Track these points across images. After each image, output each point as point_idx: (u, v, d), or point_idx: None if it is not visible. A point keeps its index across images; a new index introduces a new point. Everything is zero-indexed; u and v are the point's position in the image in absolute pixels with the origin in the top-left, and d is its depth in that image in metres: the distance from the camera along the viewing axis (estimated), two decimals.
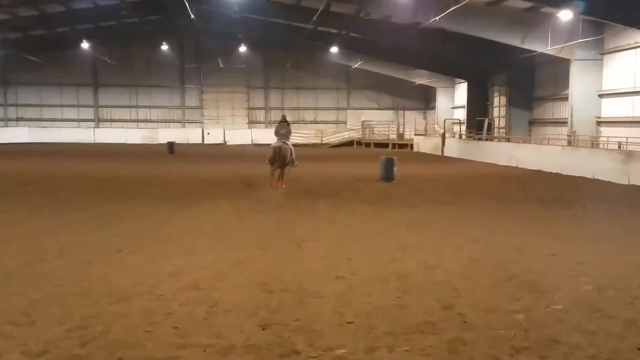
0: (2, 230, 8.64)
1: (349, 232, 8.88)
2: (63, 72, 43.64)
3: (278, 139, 14.64)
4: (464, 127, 34.24)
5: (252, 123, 45.95)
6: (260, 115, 46.20)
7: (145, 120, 45.13)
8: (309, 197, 13.14)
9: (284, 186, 14.40)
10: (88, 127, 44.26)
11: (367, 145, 42.49)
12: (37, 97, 44.07)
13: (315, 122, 46.05)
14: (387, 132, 44.27)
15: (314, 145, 43.23)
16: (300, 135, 43.18)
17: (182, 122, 45.56)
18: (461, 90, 37.46)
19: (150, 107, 45.06)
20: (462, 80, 36.50)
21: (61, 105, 44.56)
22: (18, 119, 44.22)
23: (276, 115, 46.02)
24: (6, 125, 43.72)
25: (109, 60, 42.35)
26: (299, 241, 8.03)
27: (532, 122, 29.12)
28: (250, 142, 43.83)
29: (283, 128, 14.85)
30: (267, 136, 43.95)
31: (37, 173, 18.25)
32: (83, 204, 11.62)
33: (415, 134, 40.49)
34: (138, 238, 8.18)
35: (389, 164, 16.88)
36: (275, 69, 45.17)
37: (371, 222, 9.80)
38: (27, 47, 39.15)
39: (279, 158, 14.14)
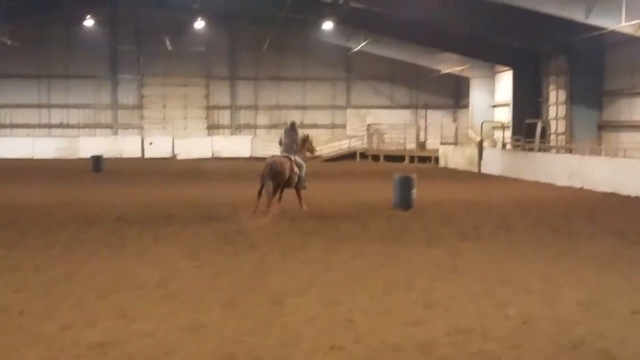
0: None
1: (350, 282, 8.89)
2: None
3: (280, 151, 15.85)
4: (508, 133, 34.54)
5: (213, 128, 46.22)
6: (224, 117, 46.50)
7: (61, 126, 45.20)
8: (295, 233, 13.17)
9: (274, 212, 14.85)
10: None
11: (375, 158, 42.74)
12: None
13: (302, 126, 46.22)
14: (402, 140, 44.61)
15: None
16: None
17: (114, 127, 45.67)
18: (504, 82, 37.87)
19: (67, 106, 45.15)
20: (506, 68, 36.95)
21: None
22: None
23: (246, 118, 46.30)
24: None
25: (8, 42, 42.44)
26: (281, 296, 8.03)
27: (603, 126, 29.45)
28: (210, 155, 43.93)
29: (287, 136, 15.94)
30: (233, 147, 44.40)
31: None
32: None
33: (442, 143, 40.82)
34: (48, 294, 8.14)
35: (405, 185, 16.97)
36: (246, 53, 45.60)
37: (382, 268, 9.84)
38: None
39: (271, 175, 14.94)
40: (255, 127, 46.44)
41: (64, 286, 8.57)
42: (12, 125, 44.91)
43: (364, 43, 39.68)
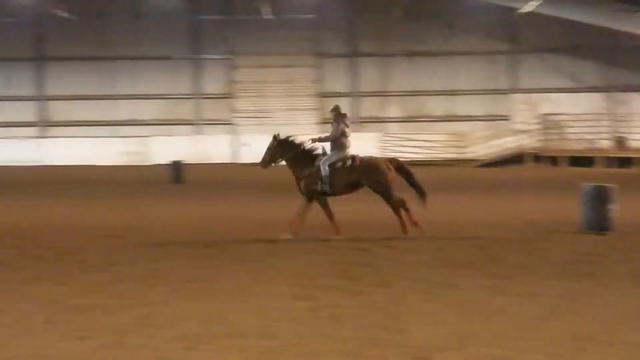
0: None
1: (522, 333, 8.74)
2: None
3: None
4: None
5: (327, 123, 46.25)
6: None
7: (129, 122, 46.73)
8: (442, 266, 13.15)
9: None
10: (26, 137, 46.20)
11: (553, 160, 41.86)
12: None
13: (448, 118, 46.01)
14: (592, 136, 43.45)
15: (447, 162, 43.03)
16: (418, 145, 43.15)
17: (196, 123, 46.77)
18: None
19: (135, 97, 46.59)
20: None
21: None
22: None
23: (371, 108, 46.28)
24: None
25: (63, 14, 44.33)
26: (425, 350, 8.02)
27: None
28: None
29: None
30: (355, 147, 44.03)
31: None
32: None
33: None
34: (120, 343, 8.46)
35: (599, 199, 16.57)
36: (370, 21, 45.75)
37: (566, 314, 9.68)
38: None
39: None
40: (383, 120, 46.47)
41: (140, 332, 8.86)
42: (69, 123, 46.71)
43: (536, 2, 39.00)
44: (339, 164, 16.23)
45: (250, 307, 10.14)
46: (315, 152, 16.55)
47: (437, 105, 46.18)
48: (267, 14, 44.90)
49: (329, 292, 11.02)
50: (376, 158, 17.01)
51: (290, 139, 16.86)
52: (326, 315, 9.71)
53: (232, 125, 46.65)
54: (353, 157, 16.31)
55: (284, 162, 17.01)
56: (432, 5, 45.11)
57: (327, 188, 16.17)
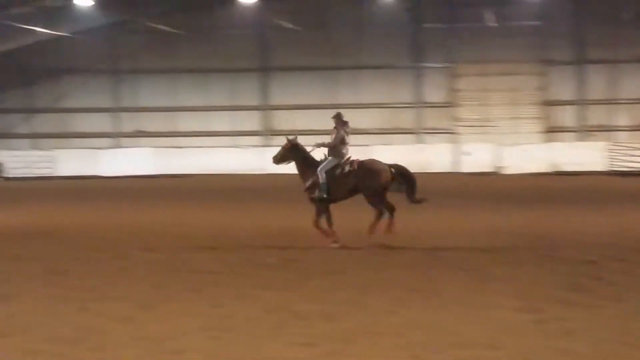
0: None
1: None
2: (207, 50, 48.36)
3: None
4: None
5: (551, 132, 45.58)
6: (566, 116, 45.66)
7: (350, 131, 47.44)
8: None
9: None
10: (251, 146, 47.90)
11: None
12: (167, 95, 49.10)
13: None
14: None
15: None
16: None
17: (418, 132, 46.99)
18: None
19: (357, 106, 47.35)
20: None
21: (206, 109, 49.06)
22: (136, 134, 49.77)
23: (598, 117, 44.91)
24: (118, 145, 49.66)
25: (287, 25, 45.75)
26: None
27: None
28: (548, 169, 43.19)
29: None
30: (580, 157, 42.91)
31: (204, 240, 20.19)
32: None
33: None
34: (344, 350, 8.62)
35: None
36: (598, 27, 44.43)
37: None
38: (148, 10, 44.28)
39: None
40: (612, 129, 45.02)
41: (364, 341, 9.00)
42: (290, 132, 47.67)
43: None
44: (338, 170, 16.67)
45: (473, 318, 10.11)
46: (319, 161, 16.94)
47: None
48: (490, 21, 44.51)
49: (557, 304, 10.83)
50: (378, 163, 17.24)
51: (301, 146, 17.46)
52: (555, 328, 9.54)
53: (453, 134, 46.51)
54: (351, 162, 16.77)
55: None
56: None
57: (324, 195, 16.51)
